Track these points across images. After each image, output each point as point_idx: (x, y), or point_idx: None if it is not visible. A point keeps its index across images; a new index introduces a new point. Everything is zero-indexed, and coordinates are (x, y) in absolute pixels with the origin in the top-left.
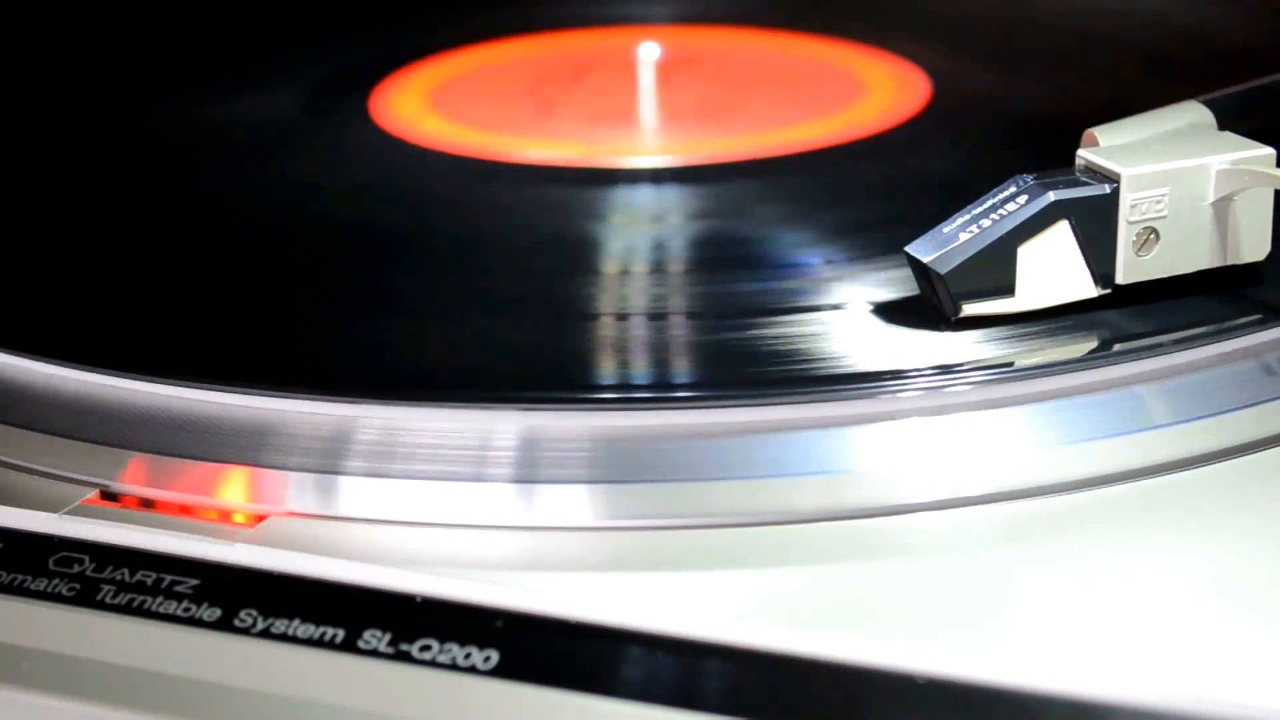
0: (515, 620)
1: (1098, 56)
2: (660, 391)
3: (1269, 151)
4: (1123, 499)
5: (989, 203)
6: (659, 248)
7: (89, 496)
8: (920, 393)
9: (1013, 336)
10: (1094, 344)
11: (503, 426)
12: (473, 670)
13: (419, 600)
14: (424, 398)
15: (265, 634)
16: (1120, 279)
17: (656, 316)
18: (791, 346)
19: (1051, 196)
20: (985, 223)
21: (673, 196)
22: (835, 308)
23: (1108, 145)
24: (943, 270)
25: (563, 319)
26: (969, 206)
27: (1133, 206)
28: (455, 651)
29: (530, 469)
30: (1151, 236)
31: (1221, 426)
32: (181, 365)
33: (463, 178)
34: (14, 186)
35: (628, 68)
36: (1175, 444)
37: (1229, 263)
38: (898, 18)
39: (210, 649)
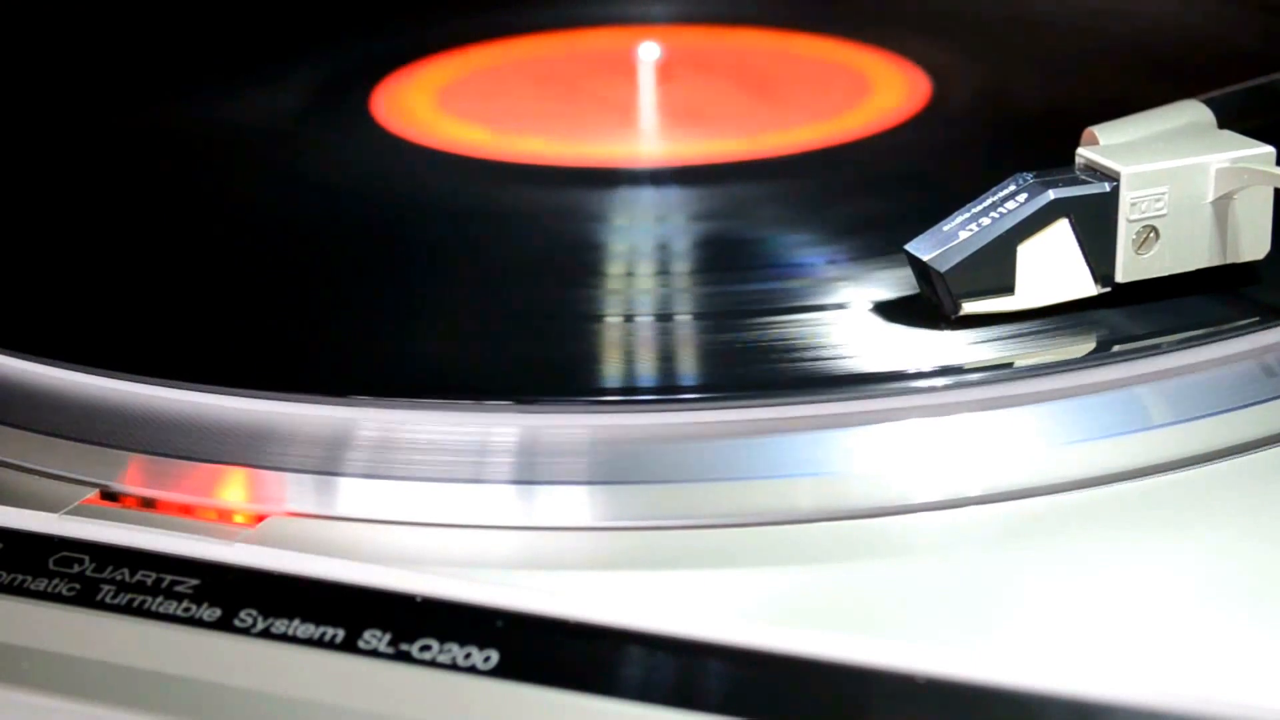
0: (515, 620)
1: (1098, 56)
2: (660, 392)
3: (1268, 150)
4: (1123, 499)
5: (989, 201)
6: (660, 248)
7: (89, 496)
8: (920, 393)
9: (1013, 337)
10: (1094, 344)
11: (502, 427)
12: (473, 670)
13: (419, 600)
14: (424, 398)
15: (265, 634)
16: (1120, 277)
17: (657, 317)
18: (792, 346)
19: (1051, 195)
20: (985, 221)
21: (673, 197)
22: (836, 308)
23: (1107, 144)
24: (942, 268)
25: (563, 319)
26: (969, 205)
27: (1132, 205)
28: (455, 651)
29: (530, 469)
30: (1151, 235)
31: (1221, 426)
32: (182, 366)
33: (464, 178)
34: (14, 186)
35: (628, 68)
36: (1175, 444)
37: (1228, 261)
38: (899, 18)
39: (210, 649)
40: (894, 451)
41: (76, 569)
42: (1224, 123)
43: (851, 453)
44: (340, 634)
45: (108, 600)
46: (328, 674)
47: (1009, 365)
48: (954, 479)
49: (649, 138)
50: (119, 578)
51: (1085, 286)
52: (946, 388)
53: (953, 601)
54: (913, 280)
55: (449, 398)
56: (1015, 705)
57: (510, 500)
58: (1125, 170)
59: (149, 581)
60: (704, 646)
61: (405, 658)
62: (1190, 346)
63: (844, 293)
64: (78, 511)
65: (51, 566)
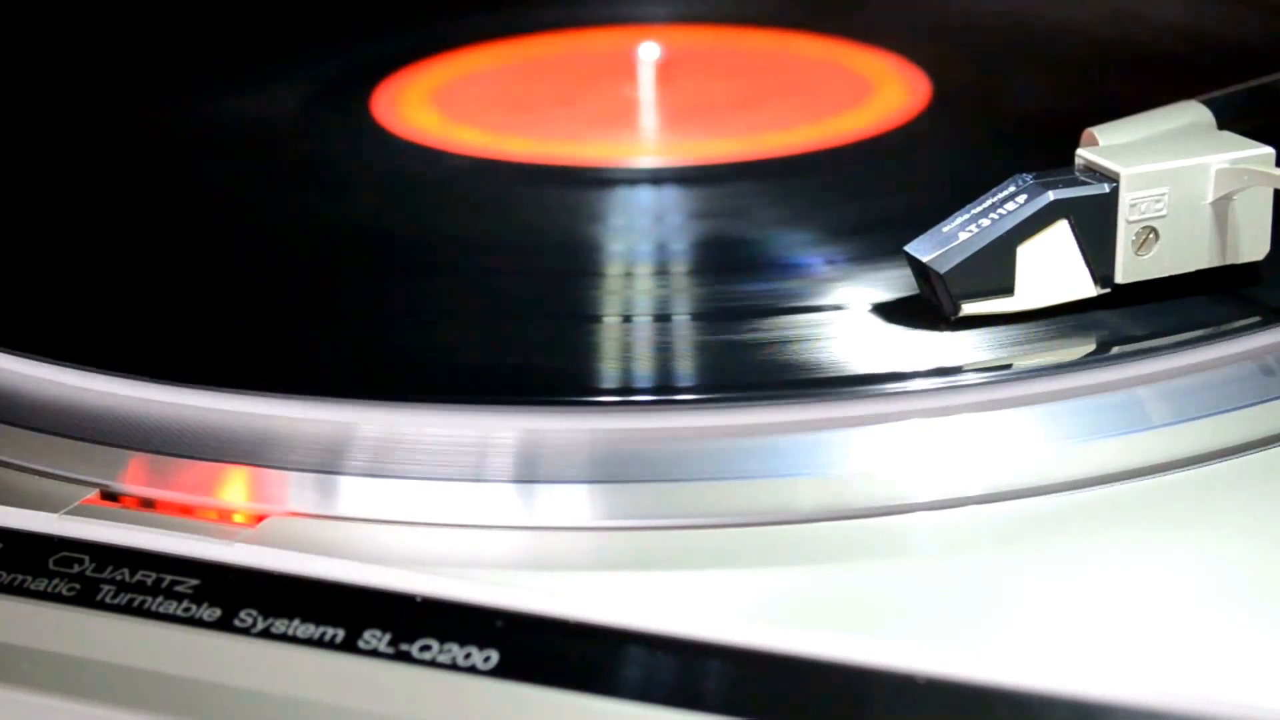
0: (515, 620)
1: (1098, 56)
2: (660, 392)
3: (1268, 151)
4: (1123, 499)
5: (988, 202)
6: (659, 248)
7: (89, 496)
8: (920, 393)
9: (1013, 338)
10: (1093, 345)
11: (502, 427)
12: (473, 670)
13: (419, 600)
14: (424, 398)
15: (265, 634)
16: (1119, 278)
17: (657, 317)
18: (791, 347)
19: (1051, 196)
20: (985, 222)
21: (673, 197)
22: (835, 308)
23: (1107, 144)
24: (942, 269)
25: (563, 319)
26: (968, 206)
27: (1132, 206)
28: (455, 651)
29: (530, 469)
30: (1151, 236)
31: (1221, 426)
32: (182, 366)
33: (463, 178)
34: (14, 186)
35: (628, 68)
36: (1175, 444)
37: (1228, 262)
38: (898, 18)
39: (210, 649)
40: (894, 452)
41: (76, 569)
42: (1224, 123)
43: (851, 453)
44: (340, 634)
45: (108, 600)
46: (328, 674)
47: (1009, 366)
48: (954, 479)
49: (649, 138)
50: (119, 578)
51: (1085, 287)
52: (946, 388)
53: (953, 601)
54: (912, 281)
55: (449, 398)
56: (1015, 705)
57: (510, 500)
58: (1125, 171)
59: (149, 581)
60: (704, 646)
61: (405, 658)
62: (1190, 347)
63: (843, 293)
64: (78, 511)
65: (51, 566)
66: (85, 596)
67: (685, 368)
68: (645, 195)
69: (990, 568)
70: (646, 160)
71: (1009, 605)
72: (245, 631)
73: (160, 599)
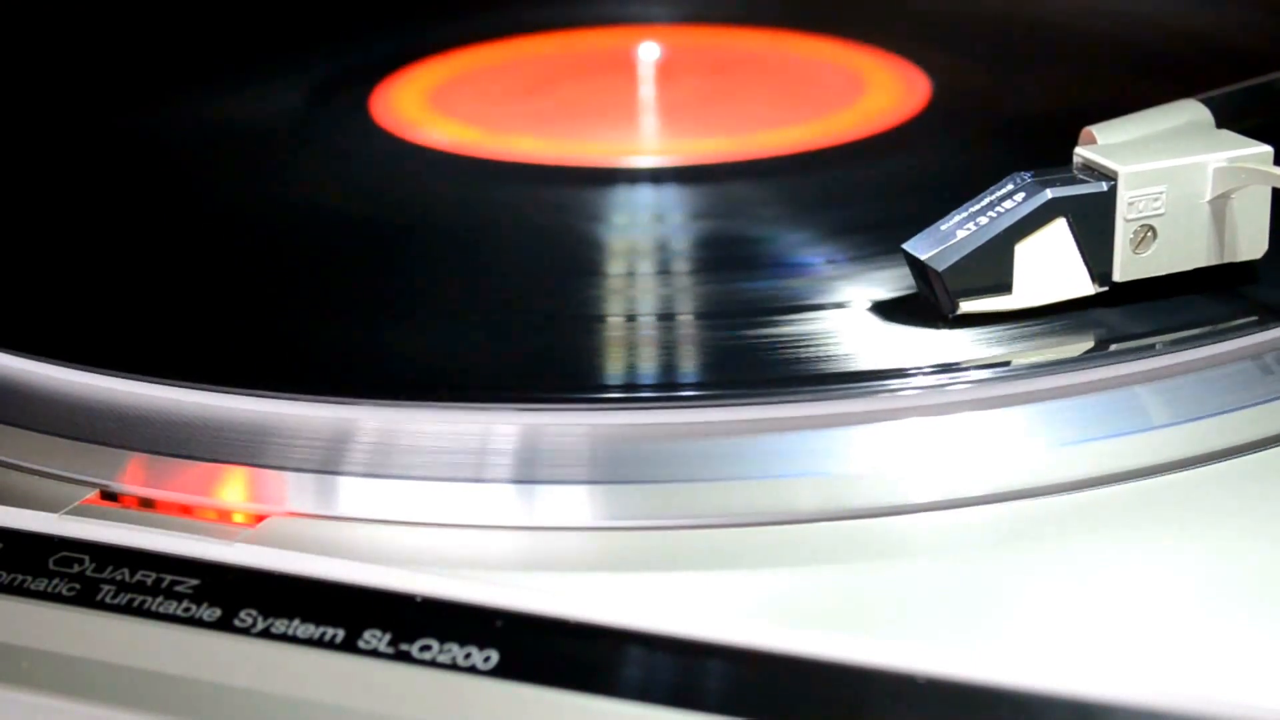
0: (515, 620)
1: (1098, 56)
2: (659, 391)
3: (1266, 149)
4: (1123, 499)
5: (986, 200)
6: (659, 247)
7: (89, 496)
8: (920, 392)
9: (1012, 336)
10: (1092, 343)
11: (502, 426)
12: (473, 670)
13: (419, 600)
14: (424, 397)
15: (265, 634)
16: (1117, 276)
17: (656, 316)
18: (790, 346)
19: (1049, 194)
20: (983, 220)
21: (672, 196)
22: (834, 307)
23: (1105, 143)
24: (940, 267)
25: (562, 319)
26: (967, 204)
27: (1130, 204)
28: (455, 651)
29: (530, 469)
30: (1149, 234)
31: (1221, 426)
32: (182, 365)
33: (463, 178)
34: (14, 186)
35: (628, 68)
36: (1175, 444)
37: (1226, 260)
38: (898, 17)
39: (210, 649)
40: (893, 451)
41: (76, 569)
42: (1222, 122)
43: (851, 452)
44: (340, 634)
45: (108, 600)
46: (328, 674)
47: (1007, 364)
48: (954, 479)
49: (648, 137)
50: (119, 578)
51: (1083, 285)
52: (945, 387)
53: (953, 601)
54: (911, 279)
55: (449, 398)
56: (1015, 705)
57: (510, 500)
58: (1123, 169)
59: (149, 581)
60: (704, 646)
61: (405, 658)
62: (1189, 346)
63: (842, 292)
64: (78, 511)
65: (51, 566)
66: (85, 596)
67: (684, 367)
68: (645, 194)
69: (990, 568)
70: (646, 159)
71: (1009, 605)
72: (245, 631)
73: (160, 599)
